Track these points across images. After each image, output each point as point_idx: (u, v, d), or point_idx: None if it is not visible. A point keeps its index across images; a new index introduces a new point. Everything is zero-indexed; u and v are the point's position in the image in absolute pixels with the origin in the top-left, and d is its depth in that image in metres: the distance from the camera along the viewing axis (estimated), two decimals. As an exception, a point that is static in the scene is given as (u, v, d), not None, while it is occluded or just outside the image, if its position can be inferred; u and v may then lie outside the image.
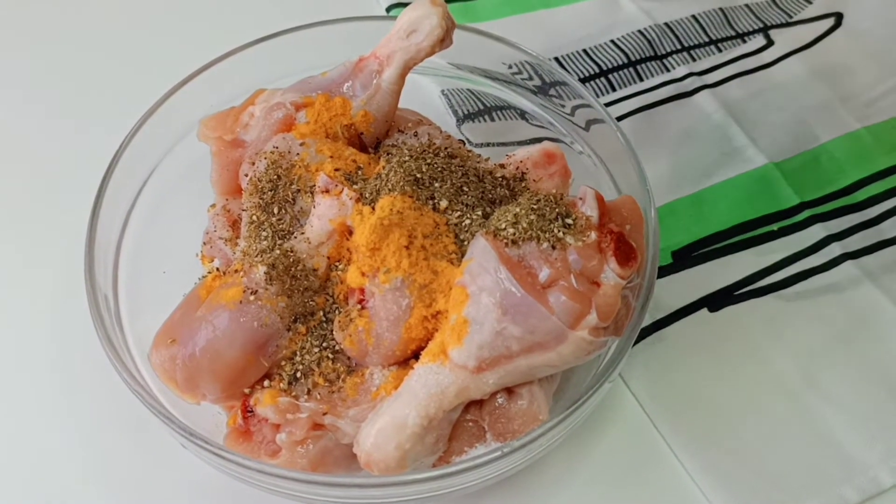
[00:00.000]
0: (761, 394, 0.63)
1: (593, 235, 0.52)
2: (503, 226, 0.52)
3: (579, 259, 0.51)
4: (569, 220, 0.52)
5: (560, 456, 0.60)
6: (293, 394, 0.53)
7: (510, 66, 0.71)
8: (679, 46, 0.84)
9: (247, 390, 0.54)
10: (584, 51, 0.83)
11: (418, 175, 0.56)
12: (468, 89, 0.76)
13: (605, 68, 0.82)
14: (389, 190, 0.55)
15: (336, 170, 0.57)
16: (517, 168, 0.61)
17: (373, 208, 0.54)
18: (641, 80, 0.82)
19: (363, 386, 0.53)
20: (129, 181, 0.63)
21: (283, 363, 0.54)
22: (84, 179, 0.62)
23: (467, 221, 0.55)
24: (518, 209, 0.53)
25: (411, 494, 0.51)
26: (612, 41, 0.84)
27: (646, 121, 0.79)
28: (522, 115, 0.73)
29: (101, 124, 0.70)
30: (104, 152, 0.61)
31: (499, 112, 0.75)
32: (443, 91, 0.77)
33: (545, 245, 0.51)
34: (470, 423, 0.52)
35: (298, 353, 0.54)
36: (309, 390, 0.53)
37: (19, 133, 0.78)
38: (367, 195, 0.55)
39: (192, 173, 0.65)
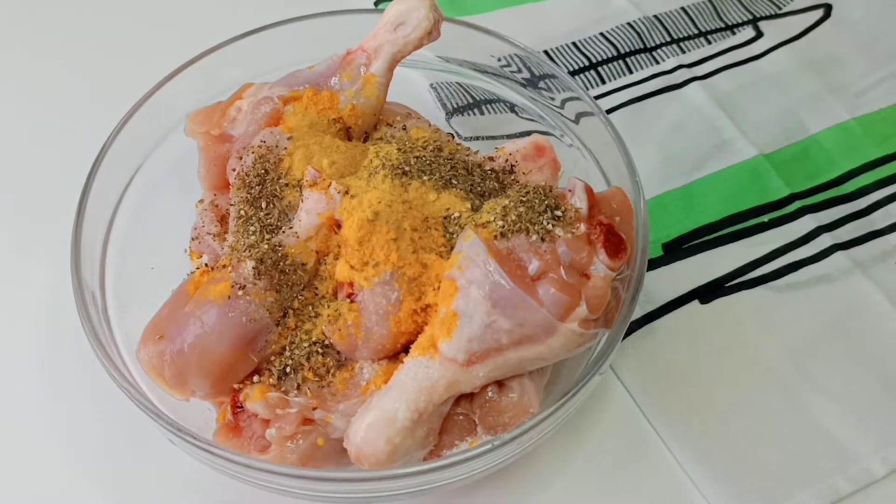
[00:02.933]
0: (753, 385, 0.63)
1: (583, 227, 0.52)
2: (492, 218, 0.52)
3: (568, 251, 0.51)
4: (558, 213, 0.52)
5: (551, 448, 0.60)
6: (283, 389, 0.53)
7: (499, 60, 0.71)
8: (669, 39, 0.84)
9: (236, 386, 0.54)
10: (574, 43, 0.83)
11: (406, 168, 0.55)
12: (457, 83, 0.76)
13: (594, 61, 0.82)
14: (377, 183, 0.54)
15: (325, 163, 0.57)
16: (506, 161, 0.61)
17: (361, 202, 0.54)
18: (631, 72, 0.81)
19: (353, 380, 0.53)
20: (115, 176, 0.63)
21: (272, 358, 0.54)
22: (71, 175, 0.62)
23: (456, 214, 0.54)
24: (507, 202, 0.53)
25: (402, 488, 0.51)
26: (602, 34, 0.84)
27: (636, 113, 0.78)
28: (512, 108, 0.73)
29: (88, 120, 0.70)
30: (91, 148, 0.61)
31: (488, 105, 0.75)
32: (432, 84, 0.77)
33: (534, 237, 0.51)
34: (460, 417, 0.52)
35: (288, 347, 0.54)
36: (298, 385, 0.53)
37: (3, 129, 0.77)
38: (354, 189, 0.55)
39: (179, 169, 0.65)
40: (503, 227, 0.51)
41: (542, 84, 0.69)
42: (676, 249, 0.70)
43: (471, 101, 0.76)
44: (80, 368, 0.60)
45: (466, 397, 0.52)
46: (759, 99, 0.79)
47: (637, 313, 0.66)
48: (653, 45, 0.83)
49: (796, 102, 0.79)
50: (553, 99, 0.68)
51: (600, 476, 0.60)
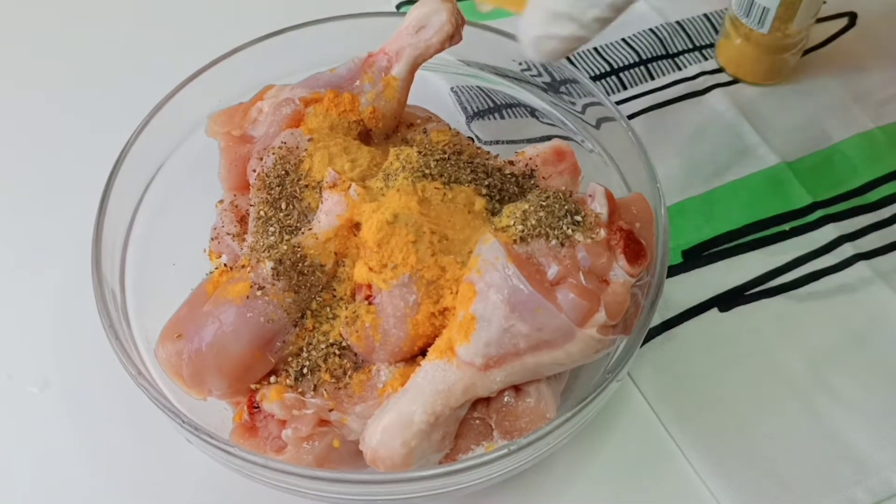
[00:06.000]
0: (772, 394, 0.62)
1: (602, 233, 0.51)
2: (512, 222, 0.52)
3: (588, 256, 0.50)
4: (578, 218, 0.52)
5: (567, 455, 0.60)
6: (299, 390, 0.53)
7: (520, 64, 0.70)
8: (691, 45, 0.83)
9: (253, 386, 0.54)
10: (596, 49, 0.82)
11: (426, 171, 0.55)
12: (478, 87, 0.75)
13: (616, 66, 0.81)
14: (398, 186, 0.54)
15: (345, 165, 0.57)
16: (526, 165, 0.61)
17: (380, 204, 0.54)
18: (653, 78, 0.81)
19: (370, 382, 0.53)
20: (136, 176, 0.63)
21: (289, 359, 0.54)
22: (93, 175, 0.62)
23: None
24: (527, 206, 0.52)
25: (417, 492, 0.50)
26: (624, 39, 0.83)
27: (657, 119, 0.78)
28: (532, 112, 0.72)
29: (111, 120, 0.70)
30: (113, 148, 0.61)
31: (509, 110, 0.75)
32: (452, 88, 0.77)
33: (554, 242, 0.51)
34: (477, 421, 0.52)
35: (305, 349, 0.54)
36: (315, 386, 0.53)
37: (29, 129, 0.78)
38: (374, 191, 0.55)
39: (200, 169, 0.65)
40: (523, 231, 0.51)
41: (563, 89, 0.69)
42: (696, 257, 0.69)
43: (491, 105, 0.75)
44: (98, 367, 0.60)
45: (483, 401, 0.52)
46: (782, 106, 0.79)
47: (655, 320, 0.65)
48: (675, 51, 0.83)
49: (820, 110, 0.78)
50: (574, 104, 0.68)
51: (616, 484, 0.59)
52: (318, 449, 0.52)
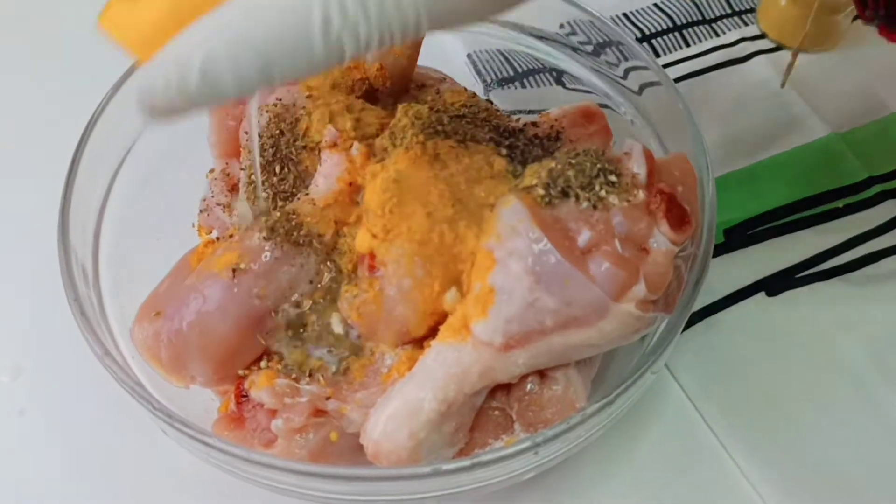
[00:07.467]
0: (826, 386, 0.57)
1: (641, 195, 0.45)
2: (536, 182, 0.45)
3: (625, 221, 0.44)
4: (613, 178, 0.45)
5: (597, 453, 0.54)
6: (293, 376, 0.47)
7: (562, 26, 0.64)
8: (730, 10, 0.78)
9: (241, 372, 0.48)
10: (625, 14, 0.77)
11: (438, 128, 0.49)
12: (498, 50, 0.70)
13: (648, 33, 0.76)
14: (406, 144, 0.48)
15: (347, 125, 0.51)
16: (552, 127, 0.55)
17: (385, 164, 0.48)
18: (689, 45, 0.76)
19: (372, 367, 0.47)
20: (114, 141, 0.57)
21: (282, 341, 0.48)
22: (72, 147, 0.56)
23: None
24: (554, 164, 0.46)
25: (425, 491, 0.44)
26: (656, 4, 0.78)
27: (693, 89, 0.73)
28: (559, 79, 0.66)
29: (91, 76, 0.64)
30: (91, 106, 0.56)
31: (532, 77, 0.69)
32: (469, 55, 0.71)
33: (585, 205, 0.44)
34: (495, 412, 0.46)
35: (300, 329, 0.48)
36: (311, 372, 0.47)
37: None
38: (379, 150, 0.49)
39: (188, 134, 0.58)
40: (549, 192, 0.45)
41: (603, 52, 0.63)
42: (740, 236, 0.64)
43: (512, 73, 0.70)
44: (74, 354, 0.53)
45: (503, 389, 0.46)
46: (833, 73, 0.73)
47: (695, 305, 0.59)
48: (712, 16, 0.77)
49: (874, 77, 0.73)
50: (614, 67, 0.62)
51: (652, 485, 0.54)
52: (312, 442, 0.46)
